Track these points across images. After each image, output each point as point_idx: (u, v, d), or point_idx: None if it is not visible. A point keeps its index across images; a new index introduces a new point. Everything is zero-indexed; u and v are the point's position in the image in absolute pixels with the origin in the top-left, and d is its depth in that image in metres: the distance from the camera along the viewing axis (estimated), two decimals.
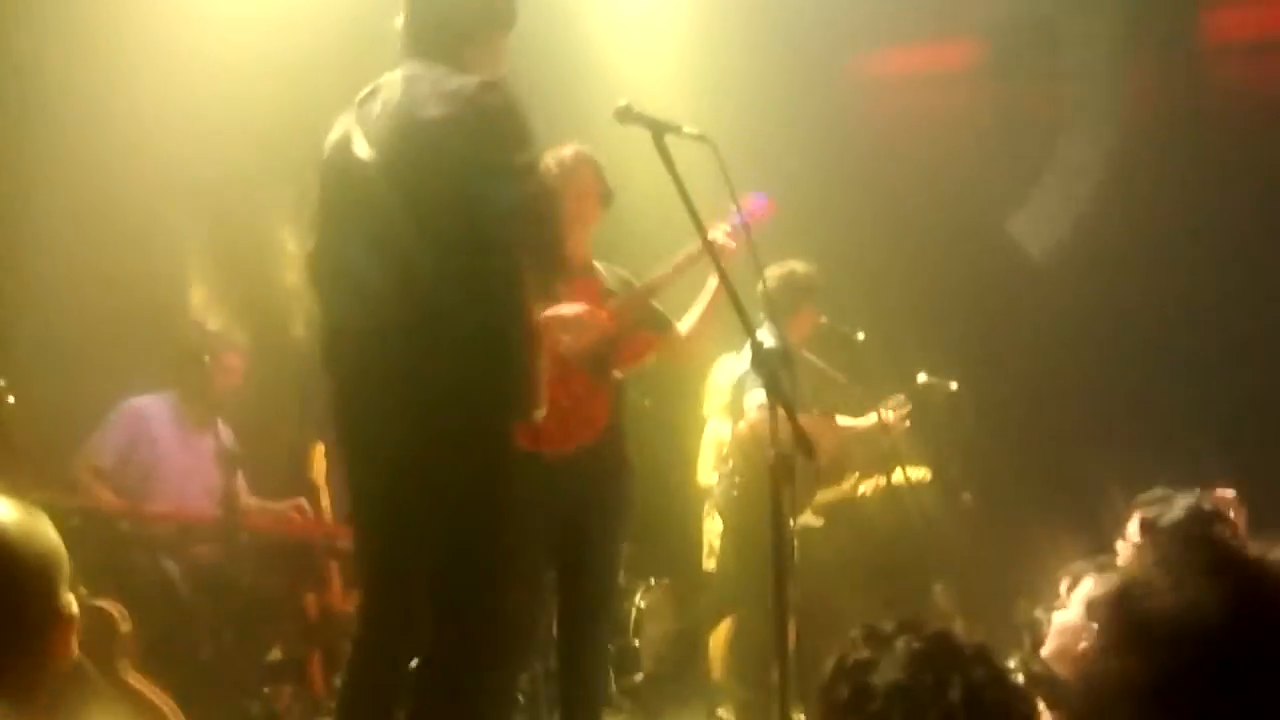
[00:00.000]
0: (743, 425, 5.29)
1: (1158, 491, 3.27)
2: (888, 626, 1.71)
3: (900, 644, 1.67)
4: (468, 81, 3.09)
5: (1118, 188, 6.76)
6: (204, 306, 5.14)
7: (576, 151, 4.06)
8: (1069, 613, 2.72)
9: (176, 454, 5.06)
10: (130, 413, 5.05)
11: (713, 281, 4.17)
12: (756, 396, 5.05)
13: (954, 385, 6.00)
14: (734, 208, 4.04)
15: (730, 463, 5.53)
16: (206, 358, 5.03)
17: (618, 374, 4.08)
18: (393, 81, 3.20)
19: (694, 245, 4.06)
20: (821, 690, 1.73)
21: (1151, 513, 3.19)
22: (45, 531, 1.86)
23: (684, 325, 4.28)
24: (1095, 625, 2.57)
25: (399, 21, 3.29)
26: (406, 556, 3.18)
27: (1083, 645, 2.63)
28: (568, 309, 3.73)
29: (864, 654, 1.69)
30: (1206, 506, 3.16)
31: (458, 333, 3.03)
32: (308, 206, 3.31)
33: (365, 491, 3.28)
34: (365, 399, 3.17)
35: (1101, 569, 2.72)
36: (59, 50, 5.22)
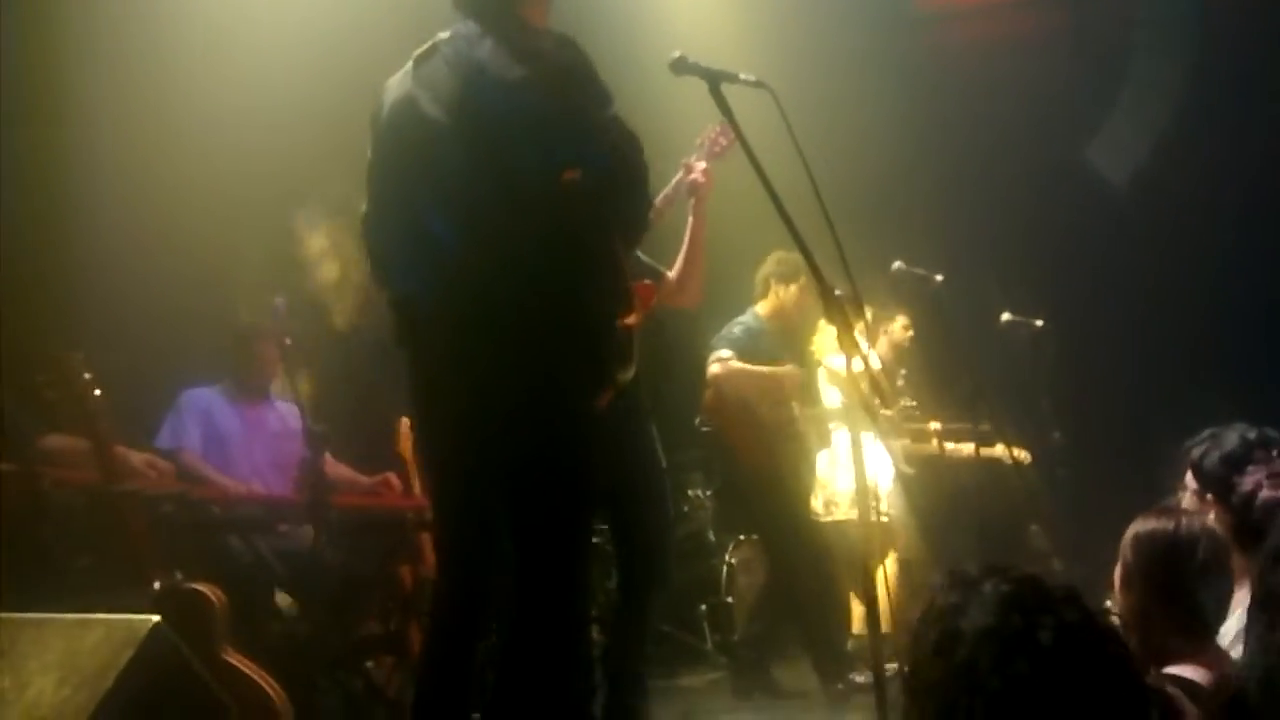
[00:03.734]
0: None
1: (1208, 431, 3.12)
2: (974, 570, 1.65)
3: (988, 588, 1.62)
4: (543, 40, 3.00)
5: (1200, 107, 6.54)
6: (253, 292, 5.22)
7: None
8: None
9: (242, 433, 5.22)
10: (195, 399, 5.20)
11: (692, 221, 4.24)
12: (718, 355, 5.51)
13: (1039, 322, 5.86)
14: (702, 142, 4.19)
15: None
16: (254, 343, 5.23)
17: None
18: (452, 39, 3.06)
19: (669, 185, 4.19)
20: (910, 636, 1.68)
21: (1198, 453, 3.06)
22: None
23: (673, 270, 4.27)
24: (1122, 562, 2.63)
25: None
26: (485, 532, 3.14)
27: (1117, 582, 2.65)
28: None
29: (951, 599, 1.64)
30: (1253, 437, 3.01)
31: (545, 295, 2.92)
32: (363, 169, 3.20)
33: (444, 464, 3.23)
34: (443, 367, 3.07)
35: (1159, 514, 2.64)
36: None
